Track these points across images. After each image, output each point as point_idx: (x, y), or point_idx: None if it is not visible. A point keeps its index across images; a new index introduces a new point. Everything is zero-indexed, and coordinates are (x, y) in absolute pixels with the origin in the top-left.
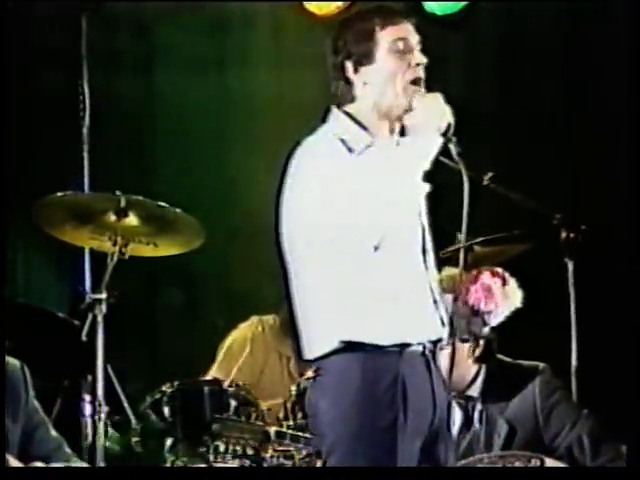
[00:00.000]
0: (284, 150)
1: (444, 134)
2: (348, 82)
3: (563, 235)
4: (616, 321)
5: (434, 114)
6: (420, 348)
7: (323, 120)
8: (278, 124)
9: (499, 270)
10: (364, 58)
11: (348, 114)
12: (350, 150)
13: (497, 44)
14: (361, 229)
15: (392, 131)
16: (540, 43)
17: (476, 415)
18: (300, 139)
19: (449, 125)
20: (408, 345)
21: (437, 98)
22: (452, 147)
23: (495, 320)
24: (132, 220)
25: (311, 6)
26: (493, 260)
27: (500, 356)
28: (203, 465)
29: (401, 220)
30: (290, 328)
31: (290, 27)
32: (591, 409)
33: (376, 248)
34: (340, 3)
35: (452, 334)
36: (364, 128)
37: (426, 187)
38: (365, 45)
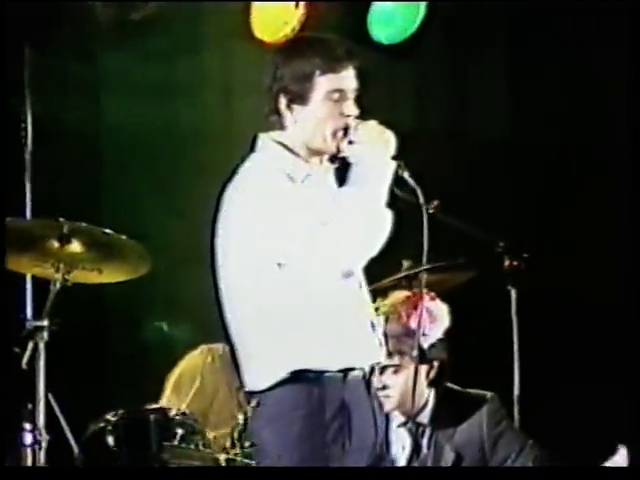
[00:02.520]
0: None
1: (394, 157)
2: (279, 113)
3: (506, 263)
4: (559, 349)
5: (380, 140)
6: (360, 372)
7: (251, 148)
8: (226, 152)
9: (432, 293)
10: (298, 98)
11: (281, 144)
12: (291, 180)
13: (443, 72)
14: (298, 258)
15: (321, 161)
16: (485, 72)
17: (425, 442)
18: (235, 168)
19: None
20: (351, 370)
21: (375, 125)
22: (404, 173)
23: (430, 341)
24: (75, 247)
25: (260, 33)
26: (437, 288)
27: (449, 384)
28: (202, 465)
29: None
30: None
31: (239, 55)
32: (533, 436)
33: (298, 270)
34: (288, 31)
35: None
36: (299, 157)
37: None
38: (302, 86)
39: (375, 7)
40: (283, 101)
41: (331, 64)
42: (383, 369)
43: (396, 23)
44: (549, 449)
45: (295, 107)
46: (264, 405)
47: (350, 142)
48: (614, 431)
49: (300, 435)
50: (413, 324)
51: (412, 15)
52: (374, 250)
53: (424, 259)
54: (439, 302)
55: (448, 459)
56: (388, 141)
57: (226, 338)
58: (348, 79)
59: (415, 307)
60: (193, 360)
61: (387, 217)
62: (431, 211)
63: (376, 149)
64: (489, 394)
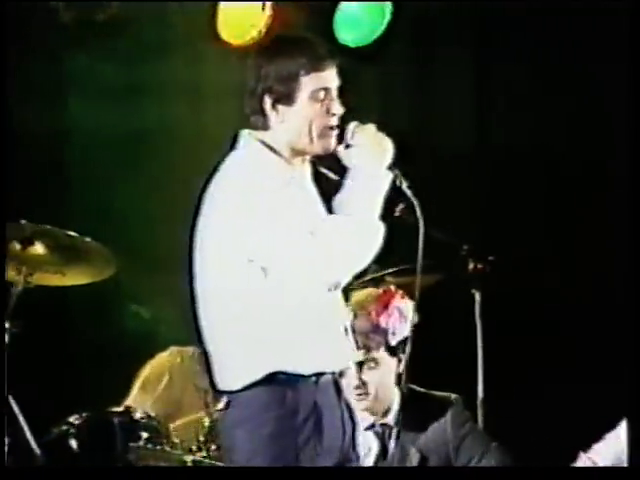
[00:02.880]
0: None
1: (391, 166)
2: (264, 114)
3: (471, 266)
4: (522, 352)
5: (378, 148)
6: (331, 375)
7: (232, 146)
8: (193, 153)
9: (402, 291)
10: (284, 98)
11: (264, 143)
12: (274, 181)
13: (409, 74)
14: (281, 264)
15: (304, 161)
16: (451, 75)
17: (391, 444)
18: (216, 166)
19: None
20: (323, 374)
21: (374, 130)
22: (402, 184)
23: (398, 339)
24: (38, 249)
25: (227, 36)
26: (403, 290)
27: (413, 386)
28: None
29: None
30: (203, 359)
31: (205, 57)
32: (496, 439)
33: (267, 273)
34: (255, 33)
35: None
36: (282, 158)
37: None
38: (287, 86)
39: (341, 10)
40: (268, 101)
41: (315, 63)
42: (360, 366)
43: (362, 26)
44: (513, 451)
45: (280, 107)
46: (235, 406)
47: (347, 146)
48: (578, 432)
49: (272, 436)
50: (383, 322)
51: (378, 18)
52: (364, 264)
53: (418, 269)
54: (408, 300)
55: (413, 461)
56: (386, 149)
57: (198, 338)
58: (332, 78)
59: (386, 305)
60: (162, 361)
61: (380, 230)
62: (397, 214)
63: (374, 157)
64: (453, 396)
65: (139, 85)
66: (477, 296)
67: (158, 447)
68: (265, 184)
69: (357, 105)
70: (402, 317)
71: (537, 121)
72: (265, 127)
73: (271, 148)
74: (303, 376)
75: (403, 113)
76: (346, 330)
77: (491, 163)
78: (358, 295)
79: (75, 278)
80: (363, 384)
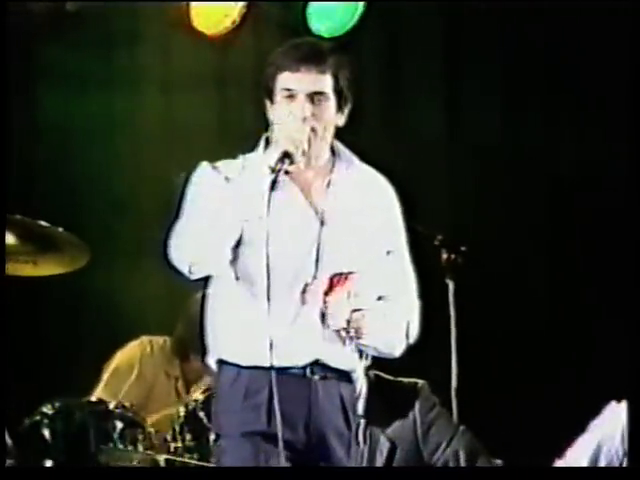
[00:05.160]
0: (172, 171)
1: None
2: (266, 113)
3: (444, 256)
4: (495, 340)
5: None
6: (301, 371)
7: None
8: (165, 144)
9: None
10: (270, 95)
11: (266, 139)
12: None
13: (382, 65)
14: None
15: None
16: (423, 66)
17: (360, 432)
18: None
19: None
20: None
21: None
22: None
23: None
24: (9, 239)
25: (200, 26)
26: None
27: (381, 373)
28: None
29: (285, 248)
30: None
31: (178, 46)
32: (470, 426)
33: (238, 278)
34: (229, 23)
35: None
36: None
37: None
38: (268, 83)
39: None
40: (267, 102)
41: (288, 63)
42: None
43: (335, 17)
44: (487, 439)
45: (269, 105)
46: (211, 394)
47: None
48: (552, 420)
49: (230, 411)
50: None
51: (351, 8)
52: None
53: None
54: None
55: (383, 449)
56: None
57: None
58: (305, 80)
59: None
60: (131, 351)
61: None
62: None
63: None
64: (420, 382)
65: (110, 75)
66: (450, 286)
67: (130, 447)
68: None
69: None
70: None
71: (510, 111)
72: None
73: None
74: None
75: (376, 104)
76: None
77: (464, 154)
78: None
79: (47, 268)
80: None
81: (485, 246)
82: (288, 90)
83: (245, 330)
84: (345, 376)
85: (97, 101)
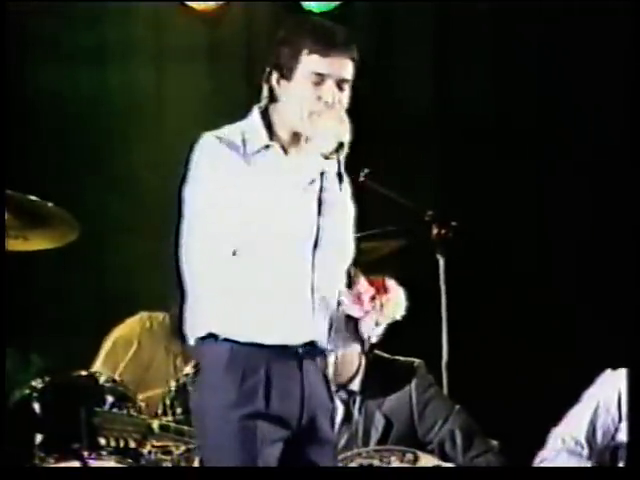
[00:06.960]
0: (164, 145)
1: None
2: (271, 89)
3: (434, 231)
4: (487, 317)
5: (327, 135)
6: (293, 349)
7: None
8: (157, 118)
9: (379, 279)
10: (287, 73)
11: (264, 113)
12: (244, 149)
13: (370, 41)
14: (241, 229)
15: (297, 141)
16: (412, 42)
17: (356, 409)
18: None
19: (340, 144)
20: (283, 346)
21: (334, 116)
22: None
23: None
24: None
25: (190, 1)
26: (367, 257)
27: (378, 352)
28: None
29: (285, 223)
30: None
31: (170, 21)
32: (460, 403)
33: (234, 252)
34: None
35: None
36: (269, 130)
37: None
38: (290, 61)
39: None
40: (275, 76)
41: (321, 47)
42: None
43: None
44: (477, 414)
45: (282, 82)
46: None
47: None
48: (541, 395)
49: (217, 389)
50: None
51: None
52: None
53: None
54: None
55: (379, 426)
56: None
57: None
58: (335, 66)
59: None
60: (131, 326)
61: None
62: (362, 179)
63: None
64: (417, 361)
65: (103, 49)
66: (441, 261)
67: (124, 411)
68: (238, 165)
69: None
70: (360, 301)
71: (497, 85)
72: (276, 100)
73: (267, 119)
74: (263, 344)
75: (365, 79)
76: (315, 304)
77: (453, 128)
78: None
79: (38, 243)
80: None
81: (475, 221)
82: (318, 75)
83: (242, 305)
84: (323, 352)
85: (87, 75)
